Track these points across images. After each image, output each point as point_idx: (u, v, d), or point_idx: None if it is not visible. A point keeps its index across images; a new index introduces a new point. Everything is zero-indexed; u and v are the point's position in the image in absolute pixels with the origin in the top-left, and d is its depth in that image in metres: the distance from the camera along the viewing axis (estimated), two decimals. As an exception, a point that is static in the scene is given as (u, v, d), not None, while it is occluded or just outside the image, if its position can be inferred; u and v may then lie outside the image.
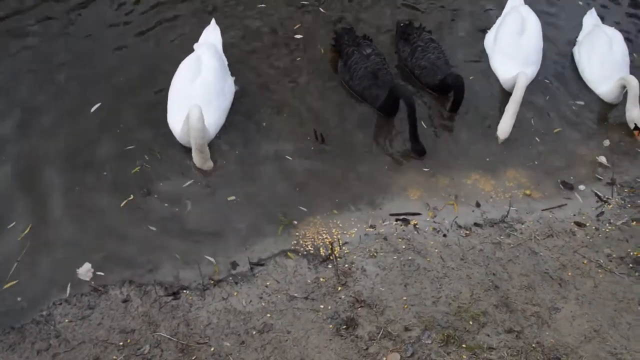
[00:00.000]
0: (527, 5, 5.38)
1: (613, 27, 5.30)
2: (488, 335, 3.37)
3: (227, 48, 5.01)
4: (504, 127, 4.55)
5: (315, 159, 4.39)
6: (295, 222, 3.98)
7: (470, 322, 3.42)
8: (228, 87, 4.63)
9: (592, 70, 5.05)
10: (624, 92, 4.82)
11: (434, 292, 3.59)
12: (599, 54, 5.02)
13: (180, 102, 4.29)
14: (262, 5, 5.64)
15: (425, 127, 4.66)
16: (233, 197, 4.10)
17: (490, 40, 5.30)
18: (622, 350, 3.40)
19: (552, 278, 3.74)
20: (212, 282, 3.64)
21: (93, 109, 4.55)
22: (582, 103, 5.00)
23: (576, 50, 5.32)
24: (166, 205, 4.03)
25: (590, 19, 5.50)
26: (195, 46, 4.76)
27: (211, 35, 4.89)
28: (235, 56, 5.09)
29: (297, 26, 5.46)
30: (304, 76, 5.03)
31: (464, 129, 4.77)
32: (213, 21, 4.98)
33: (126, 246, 3.80)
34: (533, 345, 3.36)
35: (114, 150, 4.31)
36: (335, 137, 4.56)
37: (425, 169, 4.39)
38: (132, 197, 4.03)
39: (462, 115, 4.84)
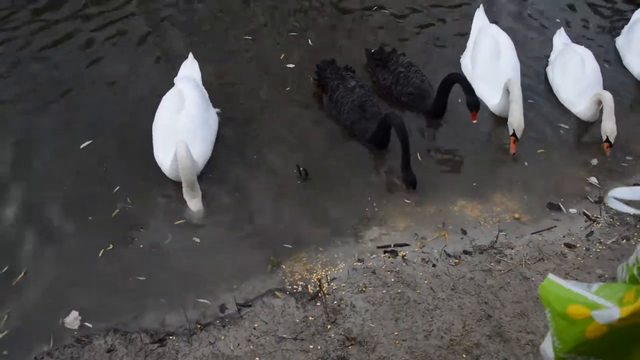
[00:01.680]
0: (495, 25, 5.42)
1: (582, 46, 5.35)
2: (482, 368, 3.30)
3: (213, 80, 5.09)
4: (517, 119, 4.53)
5: (300, 194, 4.35)
6: (282, 261, 3.91)
7: (464, 355, 3.34)
8: (212, 119, 4.64)
9: (567, 90, 5.06)
10: (600, 108, 4.81)
11: (426, 326, 3.51)
12: (572, 73, 5.04)
13: (166, 136, 4.30)
14: (248, 37, 5.71)
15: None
16: (217, 237, 4.05)
17: (468, 66, 5.31)
18: (621, 375, 3.32)
19: (544, 303, 3.67)
20: (199, 326, 3.55)
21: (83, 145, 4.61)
22: (566, 126, 5.00)
23: (549, 71, 5.34)
24: (152, 249, 3.97)
25: (560, 38, 5.54)
26: (175, 80, 4.77)
27: (189, 69, 4.90)
28: (221, 88, 5.14)
29: (282, 56, 5.52)
30: (291, 108, 5.05)
31: (448, 154, 4.75)
32: (190, 55, 5.00)
33: (110, 294, 3.72)
34: (529, 375, 3.29)
35: (100, 192, 4.31)
36: (319, 171, 4.51)
37: (408, 201, 4.35)
38: (115, 243, 3.97)
39: (447, 140, 4.82)
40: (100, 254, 3.91)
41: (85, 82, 5.23)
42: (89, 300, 3.65)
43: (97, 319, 3.57)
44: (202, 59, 5.18)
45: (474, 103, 4.54)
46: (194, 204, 4.15)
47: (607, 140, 4.60)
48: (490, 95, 5.05)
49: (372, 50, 5.34)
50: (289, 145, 4.74)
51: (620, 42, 5.71)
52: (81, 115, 4.91)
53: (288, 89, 5.25)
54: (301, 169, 4.44)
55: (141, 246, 3.98)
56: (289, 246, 4.01)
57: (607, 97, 4.65)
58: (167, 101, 4.54)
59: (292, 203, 4.30)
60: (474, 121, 4.60)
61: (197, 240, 4.03)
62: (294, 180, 4.45)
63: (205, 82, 4.95)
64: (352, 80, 4.88)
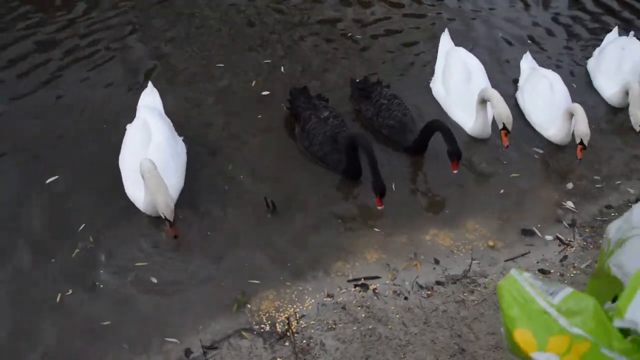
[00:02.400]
0: (462, 48, 5.40)
1: (550, 70, 5.34)
2: (456, 407, 3.18)
3: (182, 108, 5.06)
4: (504, 111, 4.51)
5: (267, 228, 4.22)
6: (249, 299, 3.78)
7: (437, 394, 3.23)
8: (180, 149, 4.55)
9: (538, 114, 5.04)
10: (571, 128, 4.77)
11: (398, 363, 3.40)
12: (542, 98, 5.02)
13: (136, 171, 4.14)
14: (220, 65, 5.65)
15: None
16: (182, 276, 3.92)
17: (440, 91, 5.28)
18: (600, 406, 3.22)
19: (520, 334, 3.57)
20: (163, 373, 3.41)
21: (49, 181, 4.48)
22: (540, 151, 4.95)
23: (519, 96, 5.31)
24: (112, 290, 3.82)
25: (527, 62, 5.54)
26: (137, 111, 4.66)
27: (150, 98, 4.81)
28: (192, 117, 5.08)
29: (254, 83, 5.46)
30: (262, 137, 4.96)
31: (418, 179, 4.68)
32: (150, 84, 4.91)
33: (69, 340, 3.56)
34: (505, 411, 3.18)
35: (65, 231, 4.16)
36: (289, 203, 4.41)
37: (378, 230, 4.25)
38: (74, 287, 3.80)
39: (421, 168, 4.75)
40: (58, 299, 3.74)
41: (48, 111, 5.11)
42: (46, 349, 3.48)
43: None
44: (171, 87, 5.13)
45: (456, 153, 4.37)
46: (163, 201, 3.86)
47: (581, 142, 4.55)
48: (465, 119, 5.03)
49: (357, 80, 5.25)
50: (258, 176, 4.63)
51: (591, 64, 5.71)
52: (45, 148, 4.76)
53: (260, 117, 5.15)
54: (269, 201, 4.33)
55: (103, 289, 3.82)
56: (256, 282, 3.88)
57: (577, 108, 4.64)
58: (133, 133, 4.43)
59: (259, 236, 4.17)
60: (455, 171, 4.43)
61: (161, 280, 3.88)
62: (262, 213, 4.33)
63: (175, 111, 4.88)
64: (325, 110, 4.78)
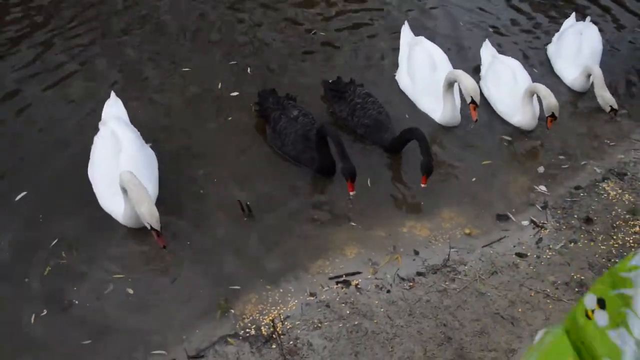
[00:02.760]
0: (424, 38, 5.45)
1: (510, 57, 5.43)
2: (448, 395, 3.21)
3: (150, 115, 4.99)
4: (470, 84, 4.60)
5: (243, 232, 4.17)
6: (231, 304, 3.73)
7: (428, 384, 3.25)
8: (151, 156, 4.46)
9: (503, 102, 5.10)
10: (536, 111, 4.87)
11: (387, 357, 3.40)
12: (506, 86, 5.09)
13: (110, 182, 4.08)
14: (186, 69, 5.58)
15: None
16: (160, 286, 3.84)
17: (406, 83, 5.31)
18: (585, 382, 3.29)
19: (503, 318, 3.63)
20: (149, 386, 3.34)
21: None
22: (509, 138, 5.01)
23: (483, 85, 5.37)
24: (89, 306, 3.71)
25: (487, 50, 5.62)
26: (102, 121, 4.55)
27: (114, 109, 4.69)
28: (160, 123, 5.00)
29: (220, 85, 5.40)
30: (233, 139, 4.91)
31: (394, 173, 4.69)
32: (113, 94, 4.79)
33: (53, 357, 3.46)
34: (496, 396, 3.22)
35: (37, 247, 4.02)
36: (263, 205, 4.37)
37: (356, 225, 4.25)
38: (48, 309, 3.68)
39: (394, 162, 4.76)
40: (32, 320, 3.63)
41: (8, 127, 4.96)
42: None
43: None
44: (137, 94, 5.06)
45: (427, 167, 4.33)
46: (148, 210, 3.73)
47: (553, 115, 4.67)
48: (433, 108, 5.08)
49: (330, 81, 5.20)
50: (232, 179, 4.57)
51: (551, 50, 5.82)
52: (10, 164, 4.61)
53: (230, 119, 5.10)
54: (244, 204, 4.28)
55: (77, 304, 3.72)
56: (237, 287, 3.83)
57: (538, 85, 4.77)
58: (102, 145, 4.32)
59: (236, 240, 4.12)
60: (423, 185, 4.40)
61: (139, 292, 3.80)
62: (238, 216, 4.28)
63: (143, 118, 4.81)
64: (294, 109, 4.76)
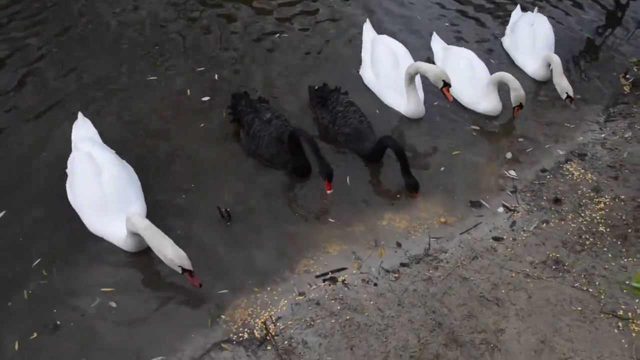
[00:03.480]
0: (385, 36, 5.58)
1: (462, 48, 5.62)
2: (446, 378, 3.29)
3: (120, 128, 4.94)
4: (433, 70, 4.81)
5: (225, 237, 4.17)
6: (221, 310, 3.72)
7: (426, 370, 3.33)
8: (132, 173, 4.36)
9: (466, 93, 5.25)
10: (497, 96, 5.11)
11: (382, 347, 3.46)
12: (465, 77, 5.24)
13: (99, 204, 4.02)
14: (153, 78, 5.55)
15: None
16: (146, 299, 3.79)
17: (371, 79, 5.41)
18: (571, 354, 3.44)
19: (488, 300, 3.74)
20: (147, 400, 3.30)
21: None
22: (477, 127, 5.15)
23: None
24: (76, 325, 3.64)
25: (437, 43, 5.79)
26: (74, 144, 4.44)
27: (83, 130, 4.58)
28: (130, 134, 4.94)
29: (189, 92, 5.37)
30: (207, 145, 4.90)
31: (372, 171, 4.75)
32: (80, 115, 4.69)
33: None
34: (490, 375, 3.32)
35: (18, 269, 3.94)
36: (242, 209, 4.37)
37: (335, 222, 4.30)
38: (35, 329, 3.60)
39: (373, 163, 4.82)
40: (16, 347, 3.53)
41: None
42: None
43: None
44: (105, 106, 5.02)
45: (413, 186, 4.45)
46: (173, 253, 3.66)
47: (520, 105, 4.90)
48: (398, 101, 5.20)
49: (316, 87, 5.20)
50: (209, 185, 4.56)
51: (506, 42, 6.00)
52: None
53: (202, 125, 5.08)
54: (223, 210, 4.28)
55: (63, 323, 3.64)
56: (225, 291, 3.83)
57: (504, 74, 5.00)
58: (80, 168, 4.18)
59: (219, 247, 4.11)
60: (416, 196, 4.49)
61: (127, 306, 3.74)
62: (219, 222, 4.27)
63: (114, 131, 4.76)
64: (267, 112, 4.77)
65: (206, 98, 5.33)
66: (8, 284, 3.83)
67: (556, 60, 5.21)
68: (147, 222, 3.78)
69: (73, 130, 4.58)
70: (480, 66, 5.33)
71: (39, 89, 5.40)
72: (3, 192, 4.41)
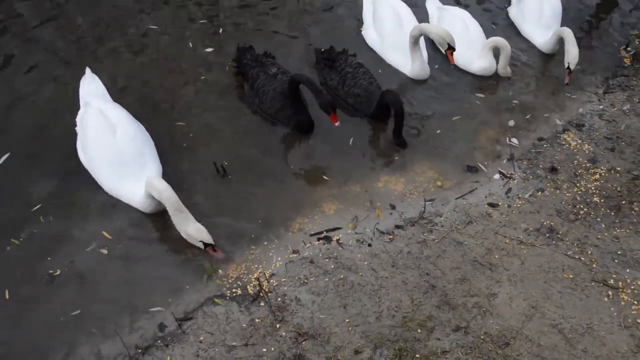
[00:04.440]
0: None
1: (456, 7, 5.56)
2: (439, 339, 3.31)
3: (123, 78, 4.86)
4: (442, 31, 4.74)
5: (220, 193, 4.14)
6: (217, 267, 3.72)
7: (419, 330, 3.35)
8: (145, 132, 4.26)
9: (462, 54, 5.14)
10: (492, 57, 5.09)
11: (375, 307, 3.48)
12: (459, 36, 5.10)
13: (113, 162, 3.94)
14: (154, 27, 5.46)
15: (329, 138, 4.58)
16: (140, 252, 3.78)
17: (374, 39, 5.34)
18: (561, 320, 3.47)
19: (482, 265, 3.76)
20: (140, 350, 3.30)
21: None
22: (482, 95, 5.09)
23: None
24: (70, 274, 3.63)
25: (432, 2, 5.71)
26: (82, 100, 4.33)
27: (92, 86, 4.43)
28: (132, 86, 4.86)
29: (191, 45, 5.27)
30: (209, 98, 4.84)
31: (374, 134, 4.71)
32: (88, 70, 4.53)
33: (34, 333, 3.37)
34: (482, 337, 3.35)
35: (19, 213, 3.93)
36: (240, 164, 4.34)
37: (332, 182, 4.28)
38: (24, 277, 3.59)
39: (377, 125, 4.77)
40: (7, 296, 3.51)
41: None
42: (10, 344, 3.28)
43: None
44: (107, 59, 4.92)
45: (400, 144, 4.51)
46: (194, 228, 3.66)
47: (449, 47, 4.76)
48: (403, 62, 5.15)
49: (322, 50, 5.09)
50: (207, 139, 4.52)
51: (513, 12, 5.85)
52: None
53: (203, 77, 5.00)
54: (219, 165, 4.23)
55: (58, 272, 3.62)
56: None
57: (501, 42, 4.98)
58: (93, 127, 4.06)
59: (213, 202, 4.09)
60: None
61: (122, 255, 3.73)
62: (214, 177, 4.23)
63: (115, 82, 4.68)
64: (273, 66, 4.70)
65: (210, 49, 5.23)
66: (4, 228, 3.81)
67: (568, 33, 5.08)
68: (169, 189, 3.66)
69: (81, 87, 4.43)
70: (474, 26, 5.31)
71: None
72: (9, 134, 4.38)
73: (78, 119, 4.22)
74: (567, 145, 4.66)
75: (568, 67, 5.06)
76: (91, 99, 4.26)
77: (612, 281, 3.69)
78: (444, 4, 5.73)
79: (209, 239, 3.64)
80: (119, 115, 4.11)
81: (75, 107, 4.35)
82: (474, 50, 5.17)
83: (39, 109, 4.65)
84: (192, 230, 3.64)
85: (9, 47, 5.16)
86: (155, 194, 3.69)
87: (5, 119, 4.53)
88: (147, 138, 4.18)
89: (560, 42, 5.24)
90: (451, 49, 4.72)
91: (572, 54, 5.01)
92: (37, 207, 3.94)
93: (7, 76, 4.89)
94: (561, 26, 5.45)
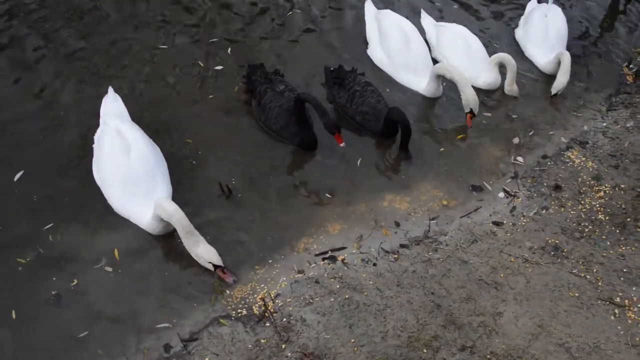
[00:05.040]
0: (389, 11, 5.55)
1: (454, 24, 5.63)
2: (445, 359, 3.30)
3: (131, 94, 4.93)
4: (471, 96, 4.73)
5: (225, 214, 4.15)
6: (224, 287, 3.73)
7: (425, 350, 3.34)
8: (159, 153, 4.29)
9: (465, 69, 5.15)
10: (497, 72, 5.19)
11: (380, 327, 3.47)
12: (462, 53, 5.28)
13: (126, 182, 3.97)
14: (164, 46, 5.52)
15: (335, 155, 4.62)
16: (146, 273, 3.78)
17: (381, 58, 5.39)
18: (567, 339, 3.46)
19: (487, 284, 3.76)
20: (145, 372, 3.31)
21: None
22: (488, 114, 5.11)
23: (439, 55, 5.51)
24: (76, 295, 3.64)
25: (427, 20, 5.78)
26: (102, 119, 4.38)
27: (114, 105, 4.49)
28: (141, 101, 4.92)
29: (203, 65, 5.32)
30: (215, 116, 4.90)
31: (380, 152, 4.74)
32: (110, 89, 4.60)
33: (39, 355, 3.37)
34: (488, 356, 3.34)
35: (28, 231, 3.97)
36: (245, 183, 4.37)
37: (337, 201, 4.30)
38: (30, 298, 3.60)
39: (383, 143, 4.80)
40: (13, 316, 3.53)
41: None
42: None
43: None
44: (116, 75, 4.99)
45: (406, 158, 4.60)
46: (204, 250, 3.69)
47: (472, 112, 4.78)
48: (412, 80, 5.21)
49: (332, 69, 5.16)
50: (214, 158, 4.55)
51: (519, 33, 5.89)
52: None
53: (211, 97, 5.05)
54: (224, 186, 4.26)
55: (64, 293, 3.63)
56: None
57: (506, 58, 5.04)
58: (109, 145, 4.11)
59: (218, 222, 4.10)
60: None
61: (125, 279, 3.74)
62: (219, 198, 4.25)
63: (127, 101, 4.68)
64: (281, 84, 4.79)
65: (220, 67, 5.31)
66: (16, 246, 3.85)
67: (566, 59, 5.12)
68: (179, 211, 3.68)
69: (102, 105, 4.49)
70: (475, 41, 5.40)
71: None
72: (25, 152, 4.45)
73: (96, 137, 4.29)
74: (571, 163, 4.67)
75: (555, 94, 5.13)
76: (110, 118, 4.31)
77: (618, 299, 3.68)
78: (437, 20, 5.81)
79: (218, 261, 3.66)
80: (135, 136, 4.16)
81: (95, 125, 4.41)
82: (479, 65, 5.24)
83: (57, 127, 4.70)
84: (202, 252, 3.66)
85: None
86: (165, 216, 3.71)
87: (21, 138, 4.58)
88: (160, 159, 4.22)
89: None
90: (472, 113, 4.76)
91: (561, 83, 5.08)
92: (49, 226, 3.97)
93: (23, 93, 4.97)
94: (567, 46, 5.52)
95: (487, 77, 5.21)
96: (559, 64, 5.27)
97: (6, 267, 3.75)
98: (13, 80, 5.03)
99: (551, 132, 4.95)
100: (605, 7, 6.61)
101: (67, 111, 4.81)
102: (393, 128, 4.69)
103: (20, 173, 4.29)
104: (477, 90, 5.17)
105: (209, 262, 3.66)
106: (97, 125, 4.38)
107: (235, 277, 3.74)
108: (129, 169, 3.97)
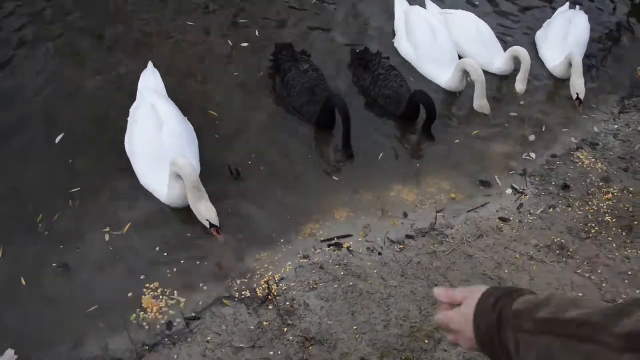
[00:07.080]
0: (419, 7, 5.57)
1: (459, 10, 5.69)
2: (446, 351, 3.31)
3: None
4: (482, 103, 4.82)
5: (233, 196, 4.14)
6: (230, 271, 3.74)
7: (426, 341, 3.35)
8: (191, 131, 4.31)
9: (480, 55, 5.20)
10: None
11: (383, 316, 3.48)
12: (475, 40, 5.31)
13: (153, 156, 3.99)
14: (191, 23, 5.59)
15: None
16: (152, 248, 3.79)
17: (408, 51, 5.41)
18: (568, 338, 3.46)
19: (491, 279, 3.76)
20: (147, 347, 3.31)
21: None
22: (515, 114, 5.09)
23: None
24: (86, 265, 3.65)
25: (432, 7, 5.79)
26: (139, 93, 4.41)
27: (152, 79, 4.53)
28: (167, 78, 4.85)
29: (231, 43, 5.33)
30: (235, 94, 4.95)
31: (383, 139, 4.75)
32: (150, 64, 4.64)
33: (43, 324, 3.38)
34: (489, 351, 3.34)
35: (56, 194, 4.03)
36: (254, 167, 4.37)
37: (346, 190, 4.30)
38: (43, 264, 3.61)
39: (384, 126, 4.81)
40: (23, 283, 3.54)
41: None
42: (23, 334, 3.30)
43: (36, 354, 3.24)
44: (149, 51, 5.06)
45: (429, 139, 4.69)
46: (205, 207, 3.72)
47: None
48: (437, 73, 5.21)
49: (357, 51, 5.22)
50: (222, 137, 4.57)
51: (539, 35, 5.82)
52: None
53: (236, 74, 5.11)
54: (233, 168, 4.25)
55: (74, 265, 3.65)
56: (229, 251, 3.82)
57: (522, 52, 5.02)
58: (142, 118, 4.13)
59: (226, 204, 4.08)
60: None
61: (132, 252, 3.75)
62: (227, 179, 4.25)
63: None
64: (306, 63, 4.86)
65: (246, 44, 5.38)
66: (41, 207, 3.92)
67: (577, 60, 5.07)
68: (190, 166, 3.70)
69: (140, 79, 4.52)
70: (485, 27, 5.43)
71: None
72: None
73: (132, 110, 4.32)
74: (580, 164, 4.66)
75: (578, 98, 5.05)
76: (147, 92, 4.33)
77: (621, 302, 3.67)
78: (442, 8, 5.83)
79: (216, 220, 3.72)
80: (169, 112, 4.17)
81: (133, 98, 4.46)
82: (491, 51, 5.27)
83: (97, 96, 4.78)
84: (203, 209, 3.71)
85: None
86: (177, 170, 3.73)
87: (65, 104, 4.67)
88: (192, 137, 4.24)
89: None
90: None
91: (579, 85, 5.00)
92: (76, 190, 4.04)
93: (69, 65, 5.05)
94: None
95: (501, 63, 5.23)
96: (569, 67, 5.22)
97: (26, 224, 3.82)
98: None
99: (562, 132, 4.94)
100: (621, 9, 6.55)
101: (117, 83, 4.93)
102: (415, 111, 4.74)
103: (62, 135, 4.35)
104: (491, 76, 5.19)
105: (207, 220, 3.72)
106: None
107: (226, 238, 3.80)
108: (159, 143, 3.99)
